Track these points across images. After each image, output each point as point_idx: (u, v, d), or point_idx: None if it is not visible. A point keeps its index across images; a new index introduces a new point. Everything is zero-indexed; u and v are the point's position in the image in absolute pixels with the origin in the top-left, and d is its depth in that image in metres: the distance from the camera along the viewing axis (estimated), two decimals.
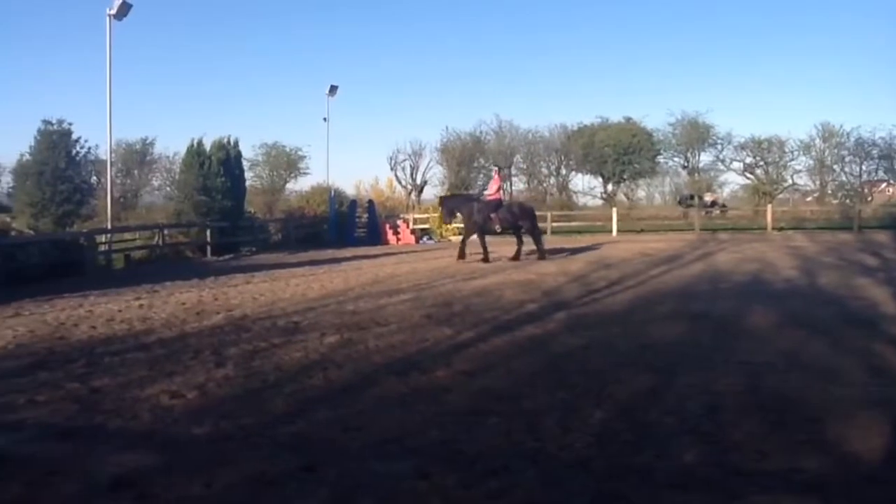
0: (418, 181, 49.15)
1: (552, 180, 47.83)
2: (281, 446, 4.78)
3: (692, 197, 41.21)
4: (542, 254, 19.12)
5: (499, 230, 19.48)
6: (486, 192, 21.28)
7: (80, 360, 7.41)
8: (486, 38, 79.22)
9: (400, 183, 49.63)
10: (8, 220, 26.11)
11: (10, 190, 37.60)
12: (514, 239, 19.44)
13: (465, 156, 45.85)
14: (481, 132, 47.97)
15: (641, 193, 50.41)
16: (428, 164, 49.17)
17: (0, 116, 73.20)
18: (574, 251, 21.50)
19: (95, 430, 5.22)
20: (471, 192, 24.50)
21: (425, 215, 33.91)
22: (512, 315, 9.98)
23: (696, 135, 45.31)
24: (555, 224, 32.92)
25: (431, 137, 66.86)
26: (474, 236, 19.54)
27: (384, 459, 4.51)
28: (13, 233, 17.25)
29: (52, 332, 9.17)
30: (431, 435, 4.99)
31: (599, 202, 46.14)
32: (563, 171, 47.52)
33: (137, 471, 4.31)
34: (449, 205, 20.35)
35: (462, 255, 18.64)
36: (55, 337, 8.81)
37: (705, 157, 46.37)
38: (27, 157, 31.34)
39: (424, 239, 30.45)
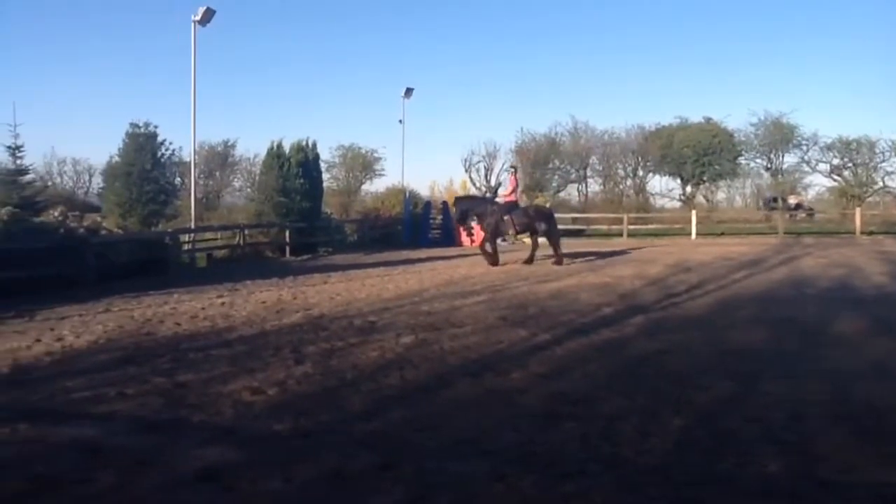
0: (492, 183, 49.15)
1: (628, 182, 47.18)
2: (358, 444, 4.85)
3: (776, 199, 39.97)
4: (560, 259, 18.61)
5: (515, 233, 19.18)
6: (501, 193, 20.85)
7: (165, 356, 7.67)
8: (562, 37, 78.77)
9: (474, 185, 49.70)
10: (98, 219, 27.23)
11: (100, 190, 39.29)
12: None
13: (539, 157, 45.62)
14: (556, 133, 47.70)
15: (721, 196, 49.25)
16: (502, 166, 49.14)
17: (92, 120, 76.62)
18: (600, 255, 21.03)
19: (180, 423, 5.40)
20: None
21: None
22: (588, 318, 9.88)
23: (780, 135, 44.02)
24: (631, 227, 32.43)
25: (506, 139, 66.88)
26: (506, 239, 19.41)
27: (459, 460, 4.52)
28: (103, 232, 17.95)
29: (140, 327, 9.51)
30: (506, 437, 4.98)
31: (677, 204, 45.24)
32: (640, 173, 46.82)
33: (221, 464, 4.45)
34: (462, 206, 19.74)
35: (494, 262, 18.15)
36: (142, 333, 9.13)
37: (789, 159, 45.08)
38: (116, 158, 32.64)
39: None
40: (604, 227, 34.06)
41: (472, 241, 29.22)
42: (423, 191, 41.59)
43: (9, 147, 15.83)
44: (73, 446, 4.82)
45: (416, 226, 30.05)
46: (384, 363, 7.28)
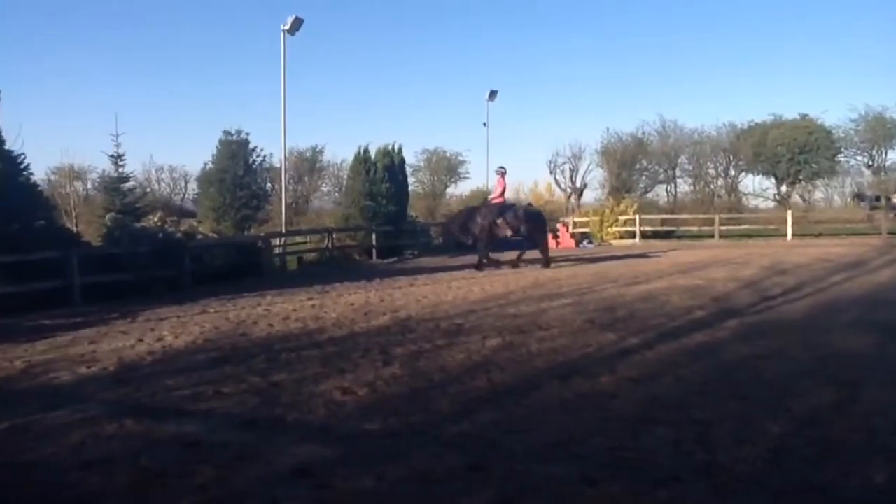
0: (578, 184, 48.74)
1: (720, 181, 46.01)
2: (447, 445, 4.88)
3: (878, 198, 38.05)
4: (547, 262, 18.31)
5: (509, 234, 18.76)
6: (489, 197, 20.30)
7: (260, 356, 7.90)
8: (649, 35, 77.15)
9: (559, 186, 49.47)
10: (195, 224, 28.30)
11: (195, 196, 40.87)
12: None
13: (626, 157, 44.91)
14: (643, 133, 46.87)
15: (819, 195, 47.29)
16: (588, 167, 48.65)
17: (187, 128, 79.67)
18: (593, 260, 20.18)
19: (275, 421, 5.56)
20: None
21: (585, 219, 33.48)
22: (679, 321, 9.66)
23: (883, 131, 42.02)
24: (723, 227, 31.51)
25: (591, 139, 66.08)
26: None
27: (549, 463, 4.49)
28: (199, 236, 18.62)
29: (235, 328, 9.83)
30: (596, 441, 4.92)
31: (772, 204, 43.71)
32: (732, 172, 45.58)
33: (315, 461, 4.56)
34: (458, 223, 19.55)
35: (479, 266, 18.05)
36: (237, 333, 9.44)
37: (893, 156, 42.86)
38: (210, 165, 33.88)
39: (584, 243, 30.02)
40: (694, 229, 33.22)
41: (558, 244, 29.03)
42: (508, 193, 41.48)
43: (112, 156, 16.61)
44: (175, 441, 5.04)
45: None
46: (471, 365, 7.30)
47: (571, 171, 48.94)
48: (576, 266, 18.92)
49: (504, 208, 18.78)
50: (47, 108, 70.38)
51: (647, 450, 4.74)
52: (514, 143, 77.03)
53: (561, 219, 34.22)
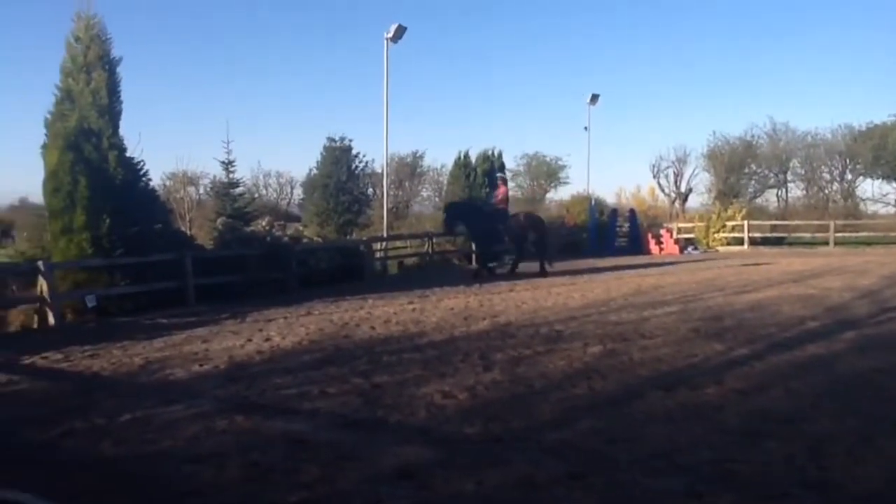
0: (682, 189, 47.52)
1: (834, 186, 43.75)
2: (547, 452, 4.85)
3: None
4: (544, 271, 17.74)
5: (507, 241, 18.14)
6: (491, 202, 19.33)
7: (362, 358, 8.07)
8: (757, 35, 74.39)
9: (663, 191, 48.39)
10: (300, 228, 29.14)
11: (300, 201, 42.10)
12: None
13: (734, 161, 43.44)
14: (752, 136, 45.18)
15: None
16: (693, 171, 47.39)
17: (293, 135, 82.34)
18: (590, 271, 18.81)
19: (378, 422, 5.66)
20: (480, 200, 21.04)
21: (690, 224, 32.58)
22: (790, 332, 9.27)
23: None
24: (838, 234, 30.00)
25: (697, 143, 64.32)
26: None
27: (653, 474, 4.40)
28: (304, 240, 19.16)
29: (338, 330, 10.06)
30: (702, 454, 4.78)
31: (893, 210, 41.30)
32: (849, 176, 43.28)
33: (416, 463, 4.63)
34: (453, 212, 18.72)
35: (478, 273, 17.69)
36: (341, 335, 9.66)
37: None
38: (314, 171, 34.82)
39: (689, 249, 29.22)
40: (807, 235, 31.77)
41: (661, 250, 28.38)
42: (610, 198, 40.93)
43: (223, 162, 17.30)
44: (283, 438, 5.21)
45: (601, 234, 29.58)
46: (572, 372, 7.23)
47: (676, 175, 47.85)
48: (681, 273, 18.41)
49: (504, 215, 18.43)
50: (164, 116, 74.11)
51: (757, 464, 4.57)
52: (616, 147, 75.94)
53: (664, 224, 33.42)
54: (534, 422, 5.58)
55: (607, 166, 76.81)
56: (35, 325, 11.63)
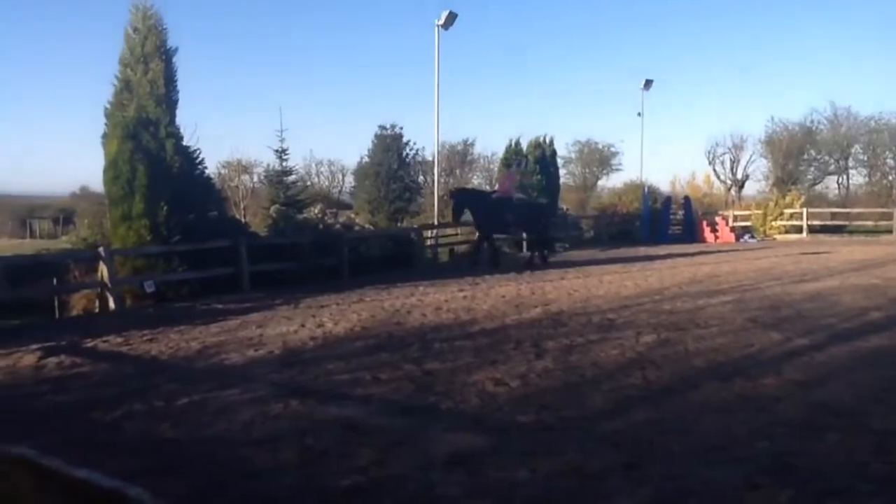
0: (739, 176, 46.57)
1: None
2: (601, 441, 4.80)
3: None
4: (534, 264, 17.11)
5: (512, 231, 17.61)
6: (498, 189, 18.54)
7: (414, 345, 8.10)
8: (817, 15, 72.17)
9: (718, 178, 47.48)
10: (352, 216, 29.43)
11: (351, 189, 42.49)
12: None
13: (793, 148, 42.33)
14: (812, 121, 43.96)
15: None
16: (750, 158, 46.39)
17: (345, 124, 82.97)
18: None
19: (430, 409, 5.68)
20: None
21: (747, 212, 31.89)
22: (852, 323, 9.01)
23: None
24: None
25: (754, 129, 62.87)
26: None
27: (710, 465, 4.32)
28: (356, 227, 19.34)
29: (390, 317, 10.11)
30: (760, 445, 4.68)
31: None
32: None
33: (468, 450, 4.63)
34: (460, 199, 17.96)
35: (494, 263, 16.95)
36: (392, 322, 9.71)
37: None
38: (366, 159, 35.15)
39: (746, 237, 28.60)
40: (869, 224, 30.83)
41: (716, 238, 27.86)
42: (663, 185, 40.38)
43: (276, 151, 17.54)
44: (336, 423, 5.27)
45: (655, 221, 29.15)
46: (625, 362, 7.15)
47: (732, 162, 46.91)
48: (737, 262, 18.03)
49: (509, 202, 17.71)
50: (219, 105, 75.37)
51: (817, 458, 4.46)
52: (670, 133, 74.66)
53: (720, 212, 32.79)
54: (586, 411, 5.54)
55: (661, 153, 75.69)
56: (96, 310, 11.99)
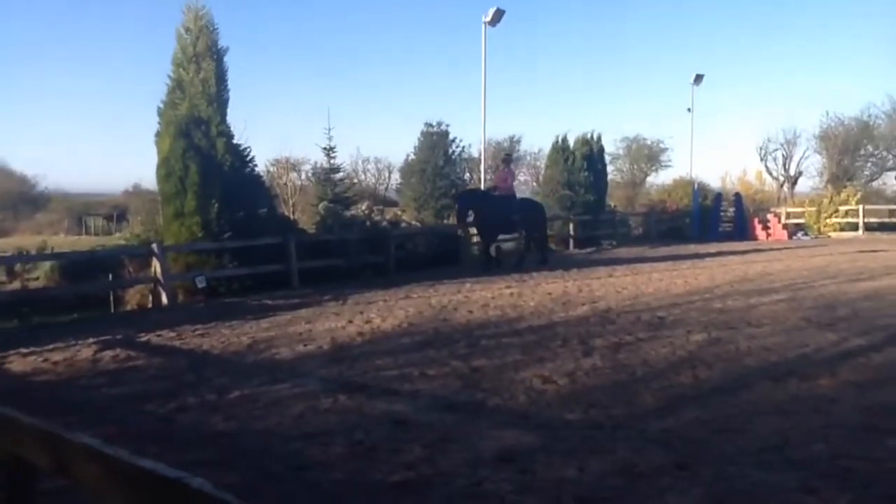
0: (792, 172, 45.56)
1: None
2: (651, 440, 4.75)
3: None
4: (543, 261, 16.46)
5: (519, 231, 16.96)
6: (499, 187, 17.40)
7: (461, 341, 8.11)
8: (871, 6, 70.14)
9: (770, 174, 46.51)
10: (398, 213, 29.56)
11: (398, 186, 42.68)
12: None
13: (849, 143, 41.24)
14: (869, 116, 42.69)
15: None
16: (804, 154, 45.32)
17: (391, 122, 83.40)
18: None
19: (477, 405, 5.68)
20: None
21: (800, 209, 31.18)
22: None
23: None
24: None
25: (808, 124, 61.47)
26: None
27: (763, 467, 4.24)
28: (403, 224, 19.41)
29: (437, 314, 10.13)
30: (816, 448, 4.58)
31: None
32: None
33: (517, 447, 4.62)
34: (464, 202, 16.84)
35: (486, 264, 16.13)
36: (439, 319, 9.73)
37: None
38: (412, 156, 35.24)
39: (799, 235, 27.97)
40: None
41: (769, 236, 27.32)
42: (714, 182, 39.66)
43: (324, 148, 17.67)
44: (385, 418, 5.31)
45: (705, 219, 28.68)
46: (675, 360, 7.06)
47: (784, 157, 45.84)
48: (790, 260, 17.65)
49: (509, 200, 16.93)
50: (268, 104, 76.41)
51: (876, 462, 4.34)
52: (721, 128, 73.39)
53: (772, 209, 32.14)
54: (636, 409, 5.48)
55: (711, 149, 74.36)
56: (149, 305, 12.26)
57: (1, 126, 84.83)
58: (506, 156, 19.34)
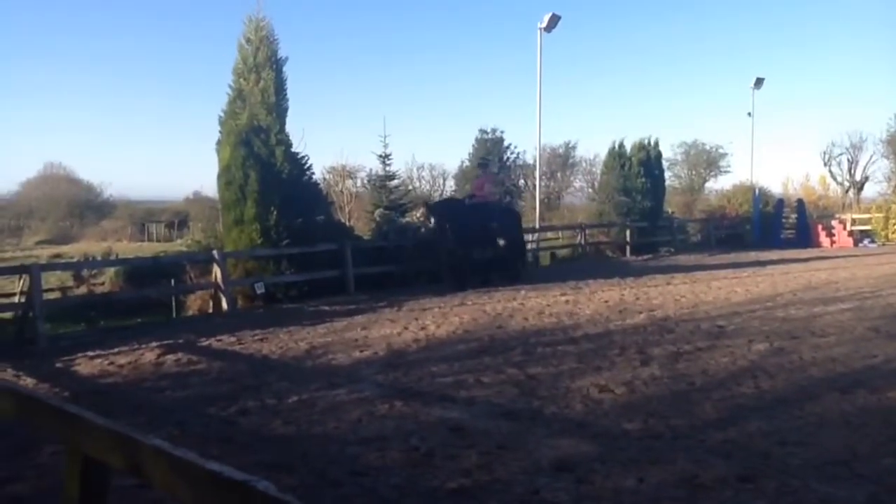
0: (857, 177, 44.29)
1: None
2: (712, 452, 4.66)
3: None
4: (515, 275, 15.25)
5: (501, 243, 15.48)
6: (476, 194, 16.60)
7: (516, 349, 8.08)
8: None
9: (835, 180, 45.32)
10: None
11: (452, 193, 42.75)
12: None
13: None
14: None
15: None
16: (870, 159, 44.03)
17: (446, 128, 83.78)
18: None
19: (534, 413, 5.65)
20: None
21: (866, 215, 30.24)
22: None
23: None
24: None
25: (875, 128, 59.63)
26: None
27: (829, 481, 4.13)
28: None
29: (492, 321, 10.11)
30: (885, 462, 4.44)
31: None
32: None
33: (574, 456, 4.58)
34: (439, 212, 15.46)
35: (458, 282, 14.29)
36: (494, 326, 9.70)
37: None
38: (466, 163, 35.32)
39: (865, 242, 27.12)
40: None
41: (833, 243, 26.58)
42: (775, 187, 38.72)
43: (380, 156, 17.88)
44: (441, 425, 5.32)
45: (766, 225, 28.06)
46: (736, 370, 6.92)
47: (850, 162, 44.70)
48: (855, 268, 17.13)
49: (485, 209, 15.92)
50: (325, 112, 77.54)
51: None
52: (783, 133, 71.71)
53: (836, 215, 31.24)
54: (696, 420, 5.39)
55: (772, 154, 72.78)
56: (210, 310, 12.52)
57: (70, 137, 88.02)
58: (482, 160, 18.59)
